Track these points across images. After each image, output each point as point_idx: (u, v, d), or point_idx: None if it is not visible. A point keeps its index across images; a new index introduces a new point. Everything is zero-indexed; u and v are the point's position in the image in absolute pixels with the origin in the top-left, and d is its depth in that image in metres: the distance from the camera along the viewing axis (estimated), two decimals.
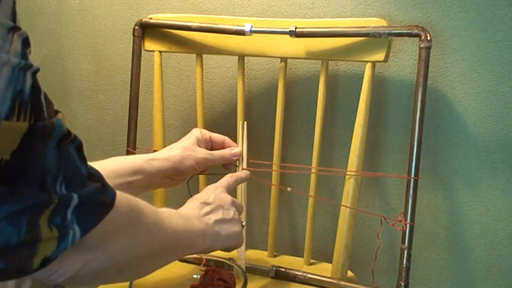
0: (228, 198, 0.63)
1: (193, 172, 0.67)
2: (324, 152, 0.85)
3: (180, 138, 0.70)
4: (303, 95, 0.89)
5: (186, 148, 0.66)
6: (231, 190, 0.66)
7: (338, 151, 0.89)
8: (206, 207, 0.60)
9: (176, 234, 0.51)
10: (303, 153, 0.92)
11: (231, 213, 0.62)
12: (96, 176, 0.39)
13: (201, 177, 0.85)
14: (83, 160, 0.37)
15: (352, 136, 0.74)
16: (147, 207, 0.46)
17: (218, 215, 0.60)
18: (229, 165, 0.73)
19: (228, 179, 0.66)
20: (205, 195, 0.62)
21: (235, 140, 0.74)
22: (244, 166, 0.72)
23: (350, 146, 0.74)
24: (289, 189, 0.77)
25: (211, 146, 0.71)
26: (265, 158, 0.89)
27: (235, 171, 0.72)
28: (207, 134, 0.70)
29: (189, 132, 0.71)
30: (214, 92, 0.96)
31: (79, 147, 0.37)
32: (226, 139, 0.72)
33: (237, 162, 0.72)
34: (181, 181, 0.69)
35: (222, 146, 0.72)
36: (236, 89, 0.84)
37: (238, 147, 0.72)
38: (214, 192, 0.63)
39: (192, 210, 0.59)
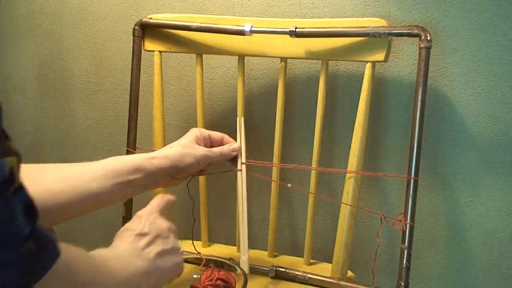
0: (165, 224, 0.57)
1: (193, 170, 0.67)
2: (324, 152, 0.85)
3: (180, 138, 0.70)
4: (303, 95, 0.89)
5: (186, 146, 0.66)
6: (165, 212, 0.61)
7: (338, 151, 0.90)
8: (143, 239, 0.54)
9: (118, 285, 0.47)
10: (303, 153, 0.92)
11: (170, 241, 0.56)
12: (40, 236, 0.34)
13: (201, 177, 0.85)
14: (30, 219, 0.33)
15: (352, 136, 0.74)
16: (83, 261, 0.42)
17: (158, 247, 0.55)
18: (231, 161, 0.72)
19: (158, 201, 0.61)
20: (138, 225, 0.56)
21: (234, 137, 0.74)
22: (243, 161, 0.72)
23: (350, 146, 0.74)
24: (289, 185, 0.77)
25: (210, 143, 0.71)
26: (265, 158, 0.89)
27: (236, 167, 0.72)
28: (206, 132, 0.70)
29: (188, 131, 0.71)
30: (214, 92, 0.96)
31: (28, 203, 0.33)
32: (225, 136, 0.72)
33: (236, 157, 0.72)
34: (181, 180, 0.69)
35: (220, 143, 0.72)
36: (236, 89, 0.85)
37: (236, 143, 0.72)
38: (148, 219, 0.57)
39: (129, 245, 0.53)
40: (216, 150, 0.69)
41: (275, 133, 0.80)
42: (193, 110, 0.98)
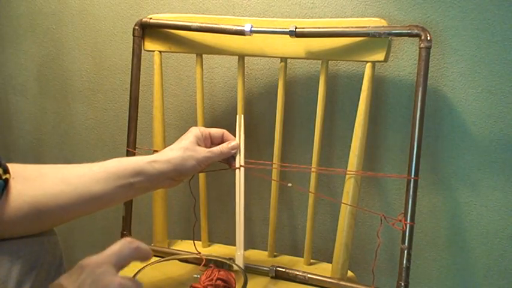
0: (114, 284, 0.41)
1: (194, 172, 0.67)
2: (324, 152, 0.85)
3: (180, 138, 0.70)
4: (303, 95, 0.89)
5: (187, 149, 0.66)
6: (127, 263, 0.45)
7: (338, 151, 0.90)
8: None
9: None
10: (303, 153, 0.92)
11: None
12: None
13: (201, 177, 0.85)
14: None
15: (352, 136, 0.74)
16: None
17: None
18: (229, 160, 0.72)
19: (119, 247, 0.44)
20: (75, 282, 0.41)
21: (234, 135, 0.74)
22: (242, 158, 0.72)
23: (350, 146, 0.74)
24: (289, 184, 0.77)
25: (210, 141, 0.71)
26: (265, 157, 0.89)
27: (235, 165, 0.72)
28: (206, 131, 0.70)
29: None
30: (214, 92, 0.96)
31: None
32: (225, 132, 0.72)
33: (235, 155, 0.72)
34: (181, 181, 0.69)
35: (221, 140, 0.72)
36: (236, 89, 0.84)
37: (235, 140, 0.72)
38: (91, 274, 0.41)
39: None
40: (216, 150, 0.69)
41: (275, 133, 0.80)
42: (193, 110, 0.98)
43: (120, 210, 0.86)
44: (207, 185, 0.86)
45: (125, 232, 0.85)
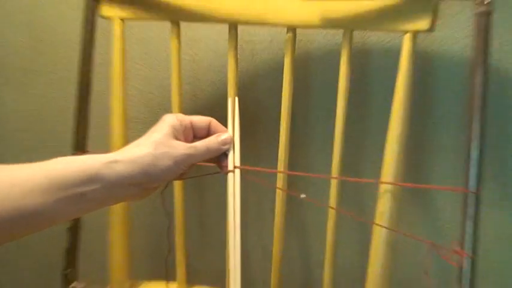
0: None
1: (171, 176, 0.66)
2: (348, 156, 0.84)
3: (150, 131, 0.68)
4: (318, 78, 0.90)
5: (159, 143, 0.64)
6: None
7: (367, 156, 0.90)
8: None
9: None
10: (318, 158, 0.92)
11: None
12: None
13: (177, 185, 0.84)
14: None
15: (386, 134, 0.73)
16: None
17: None
18: (219, 159, 0.71)
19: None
20: None
21: (225, 125, 0.73)
22: (237, 157, 0.71)
23: (383, 148, 0.74)
24: (303, 195, 0.76)
25: (193, 134, 0.70)
26: (265, 163, 0.89)
27: (226, 167, 0.70)
28: (186, 119, 0.69)
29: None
30: (196, 74, 0.96)
31: None
32: (213, 121, 0.70)
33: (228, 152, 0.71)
34: (153, 190, 0.68)
35: (207, 132, 0.70)
36: (226, 69, 0.84)
37: (227, 132, 0.71)
38: None
39: None
40: (200, 146, 0.68)
41: (280, 130, 0.80)
42: (167, 99, 0.98)
43: (61, 240, 0.84)
44: (186, 197, 0.85)
45: (68, 270, 0.85)
